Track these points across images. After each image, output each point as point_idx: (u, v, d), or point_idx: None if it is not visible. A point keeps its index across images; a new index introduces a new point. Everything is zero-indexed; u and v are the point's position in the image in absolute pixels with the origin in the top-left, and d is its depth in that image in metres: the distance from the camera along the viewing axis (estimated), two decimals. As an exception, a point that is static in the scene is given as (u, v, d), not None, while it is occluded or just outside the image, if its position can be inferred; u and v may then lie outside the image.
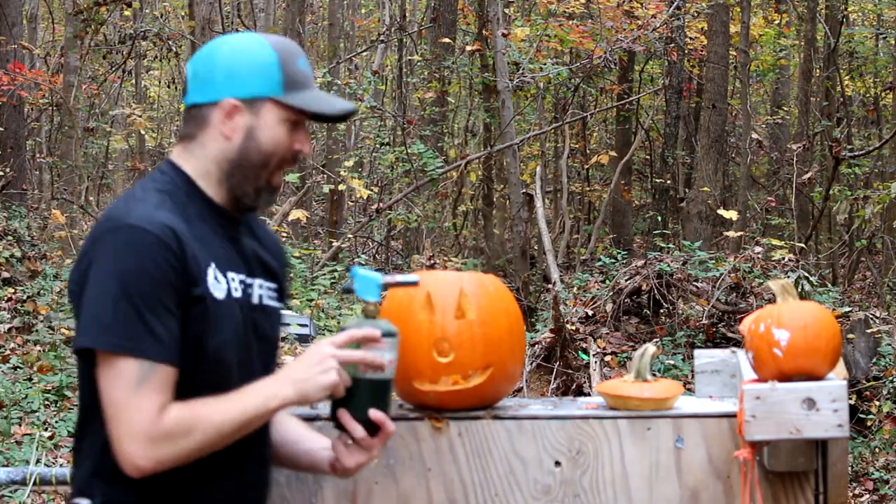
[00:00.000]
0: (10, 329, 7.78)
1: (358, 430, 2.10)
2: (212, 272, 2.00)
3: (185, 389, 1.96)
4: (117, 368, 1.88)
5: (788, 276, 7.75)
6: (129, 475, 1.91)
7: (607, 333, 7.94)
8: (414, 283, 2.23)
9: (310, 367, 2.02)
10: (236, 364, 2.06)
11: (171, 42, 12.15)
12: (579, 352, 7.74)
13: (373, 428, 2.12)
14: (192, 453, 1.93)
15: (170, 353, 1.92)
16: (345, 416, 2.09)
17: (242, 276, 2.09)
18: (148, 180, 2.07)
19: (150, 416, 1.88)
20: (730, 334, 7.78)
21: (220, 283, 2.02)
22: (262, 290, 2.14)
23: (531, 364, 7.70)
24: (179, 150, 2.11)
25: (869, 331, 7.26)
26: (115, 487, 1.96)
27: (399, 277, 2.23)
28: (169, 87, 16.63)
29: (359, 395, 2.10)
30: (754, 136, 13.48)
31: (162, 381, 1.91)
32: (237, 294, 2.06)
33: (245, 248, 2.14)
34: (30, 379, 6.88)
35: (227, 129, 2.07)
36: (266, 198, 2.12)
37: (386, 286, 2.17)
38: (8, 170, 11.33)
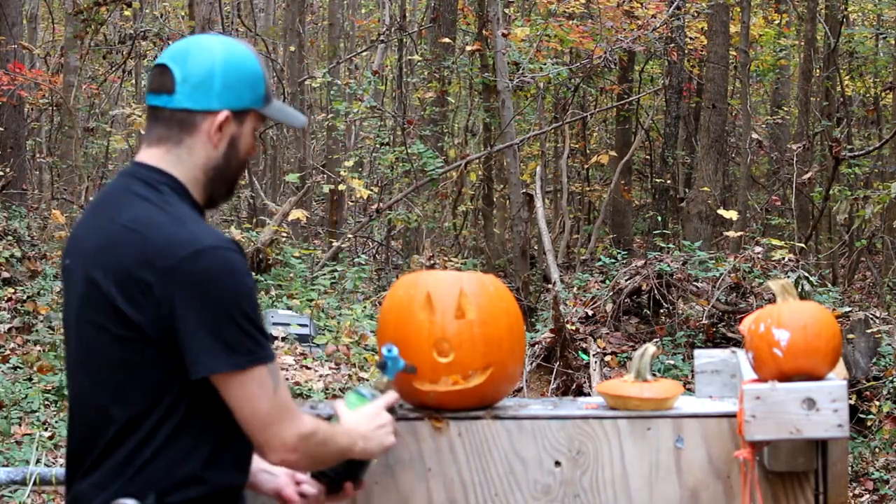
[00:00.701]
0: (10, 329, 7.78)
1: (351, 493, 2.27)
2: None
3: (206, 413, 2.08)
4: (254, 382, 1.99)
5: (788, 276, 7.75)
6: (275, 463, 2.06)
7: (607, 333, 7.94)
8: (412, 371, 2.41)
9: (375, 428, 2.21)
10: None
11: (171, 42, 12.14)
12: (579, 352, 7.73)
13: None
14: (317, 462, 2.12)
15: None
16: (350, 488, 2.26)
17: None
18: (152, 192, 2.06)
19: (297, 416, 2.04)
20: (730, 334, 7.78)
21: None
22: None
23: (531, 364, 7.70)
24: (161, 154, 2.10)
25: (869, 331, 7.25)
26: (186, 489, 2.03)
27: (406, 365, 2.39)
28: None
29: (365, 465, 2.27)
30: (754, 136, 13.47)
31: (282, 377, 2.06)
32: None
33: None
34: (30, 379, 6.88)
35: (216, 138, 2.10)
36: (231, 197, 2.25)
37: (404, 371, 2.36)
38: (8, 170, 11.33)
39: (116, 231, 2.02)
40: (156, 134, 2.10)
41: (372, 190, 13.25)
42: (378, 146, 15.73)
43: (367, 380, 7.28)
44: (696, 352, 2.75)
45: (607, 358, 7.64)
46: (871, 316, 7.53)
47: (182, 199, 2.07)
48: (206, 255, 1.96)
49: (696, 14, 12.94)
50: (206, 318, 1.95)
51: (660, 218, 14.26)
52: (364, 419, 2.21)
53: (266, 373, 2.00)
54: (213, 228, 2.05)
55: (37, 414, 6.36)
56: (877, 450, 6.64)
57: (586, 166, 16.24)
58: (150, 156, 2.10)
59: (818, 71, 14.74)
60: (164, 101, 2.08)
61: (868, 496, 6.34)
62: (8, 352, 7.38)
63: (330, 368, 7.51)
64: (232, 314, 1.96)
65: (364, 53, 18.98)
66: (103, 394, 2.04)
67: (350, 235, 12.86)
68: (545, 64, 11.86)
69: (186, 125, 2.08)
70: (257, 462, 2.27)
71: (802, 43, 14.41)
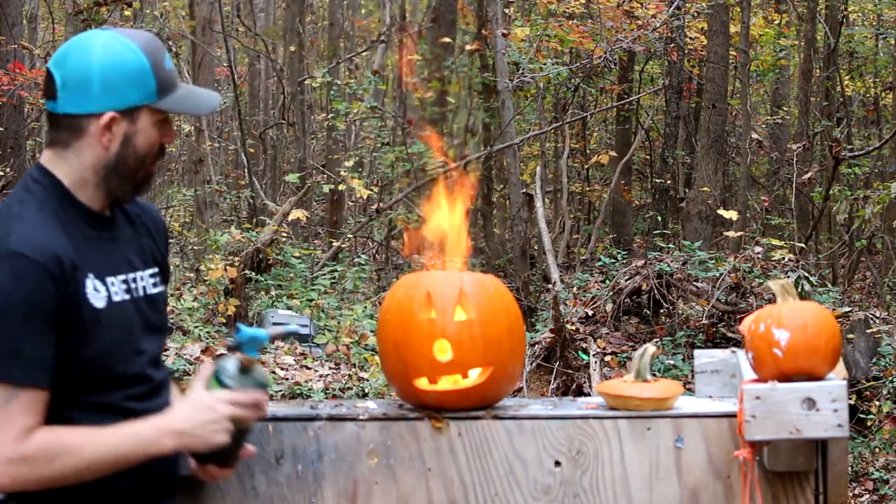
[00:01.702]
0: (10, 329, 7.77)
1: (228, 475, 2.24)
2: (90, 283, 2.05)
3: (76, 397, 2.04)
4: None
5: (788, 276, 7.75)
6: None
7: (607, 333, 7.93)
8: (297, 332, 2.29)
9: (200, 425, 2.08)
10: (124, 362, 2.10)
11: (171, 42, 12.15)
12: (579, 352, 7.73)
13: (236, 460, 2.24)
14: (56, 479, 1.99)
15: (38, 376, 1.97)
16: (216, 472, 2.22)
17: (123, 276, 2.14)
18: (22, 190, 2.09)
19: (11, 437, 1.94)
20: (730, 334, 7.77)
21: (100, 292, 2.06)
22: (144, 282, 2.19)
23: (531, 364, 7.70)
24: (51, 156, 2.11)
25: (869, 331, 7.25)
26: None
27: (284, 329, 2.31)
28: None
29: (234, 447, 2.18)
30: (754, 136, 13.46)
31: (27, 404, 1.96)
32: (118, 297, 2.11)
33: (122, 244, 2.18)
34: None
35: (105, 139, 2.09)
36: (144, 189, 2.18)
37: (273, 339, 2.24)
38: (8, 170, 11.32)
39: None
40: (50, 136, 2.12)
41: (372, 190, 13.25)
42: (378, 146, 15.73)
43: (367, 380, 7.28)
44: (696, 352, 2.75)
45: (607, 358, 7.64)
46: (871, 316, 7.53)
47: (53, 198, 2.07)
48: (4, 257, 1.96)
49: (696, 14, 12.92)
50: None
51: (660, 218, 14.25)
52: (186, 413, 2.10)
53: (1, 391, 1.94)
54: (40, 234, 2.00)
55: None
56: (877, 450, 6.64)
57: (586, 166, 16.23)
58: (43, 157, 2.13)
59: (818, 71, 14.73)
60: (52, 107, 2.10)
61: (868, 496, 6.34)
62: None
63: (330, 368, 7.51)
64: None
65: (364, 53, 18.98)
66: None
67: (350, 235, 12.85)
68: (545, 64, 11.85)
69: (74, 129, 2.08)
70: None
71: (802, 43, 14.41)
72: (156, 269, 2.25)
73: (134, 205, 2.28)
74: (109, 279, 2.10)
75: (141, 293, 2.17)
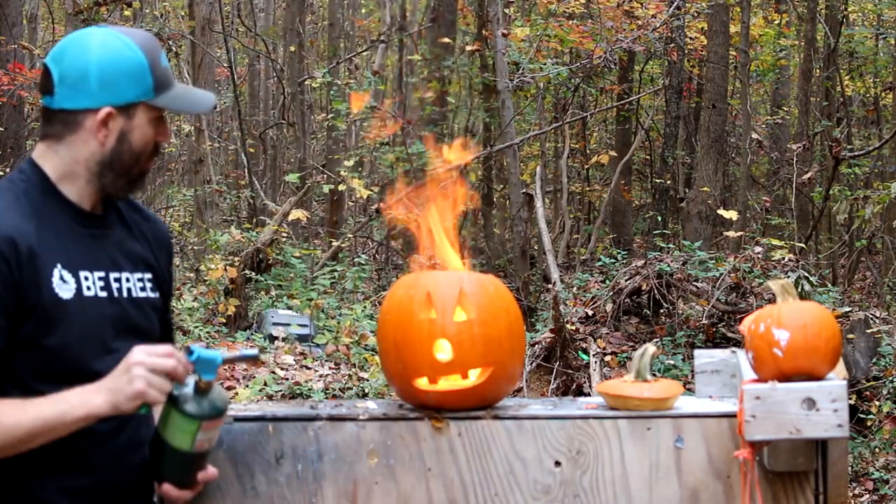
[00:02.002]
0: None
1: (184, 496, 2.20)
2: (57, 273, 2.04)
3: (32, 385, 2.02)
4: None
5: (788, 276, 7.75)
6: None
7: (607, 333, 7.93)
8: (255, 357, 2.26)
9: (117, 378, 2.02)
10: (91, 359, 2.08)
11: (171, 42, 12.15)
12: (579, 352, 7.73)
13: (194, 483, 2.21)
14: None
15: None
16: (171, 491, 2.17)
17: (102, 273, 2.13)
18: (6, 180, 2.11)
19: None
20: (730, 334, 7.78)
21: (68, 284, 2.06)
22: (130, 283, 2.18)
23: (531, 364, 7.70)
24: (42, 150, 2.13)
25: (869, 331, 7.25)
26: None
27: (238, 353, 2.25)
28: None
29: (192, 468, 2.17)
30: (754, 136, 13.46)
31: None
32: (91, 292, 2.09)
33: (110, 243, 2.18)
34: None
35: (101, 135, 2.10)
36: (138, 186, 2.19)
37: (226, 362, 2.19)
38: (8, 170, 11.32)
39: None
40: (44, 130, 2.14)
41: (372, 190, 13.25)
42: (378, 146, 15.73)
43: (367, 380, 7.28)
44: (696, 352, 2.75)
45: (607, 358, 7.64)
46: (871, 316, 7.53)
47: (36, 190, 2.09)
48: None
49: (696, 14, 12.92)
50: None
51: (660, 218, 14.25)
52: (112, 374, 2.04)
53: None
54: (6, 217, 2.02)
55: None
56: (877, 450, 6.64)
57: (586, 166, 16.24)
58: (35, 151, 2.15)
59: (818, 71, 14.73)
60: (48, 102, 2.11)
61: (868, 496, 6.34)
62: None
63: (330, 368, 7.52)
64: None
65: (364, 53, 18.98)
66: None
67: (350, 235, 12.86)
68: (545, 64, 11.85)
69: (70, 124, 2.10)
70: None
71: (802, 43, 14.41)
72: (148, 275, 2.24)
73: (137, 213, 2.29)
74: (83, 273, 2.09)
75: (124, 294, 2.16)
